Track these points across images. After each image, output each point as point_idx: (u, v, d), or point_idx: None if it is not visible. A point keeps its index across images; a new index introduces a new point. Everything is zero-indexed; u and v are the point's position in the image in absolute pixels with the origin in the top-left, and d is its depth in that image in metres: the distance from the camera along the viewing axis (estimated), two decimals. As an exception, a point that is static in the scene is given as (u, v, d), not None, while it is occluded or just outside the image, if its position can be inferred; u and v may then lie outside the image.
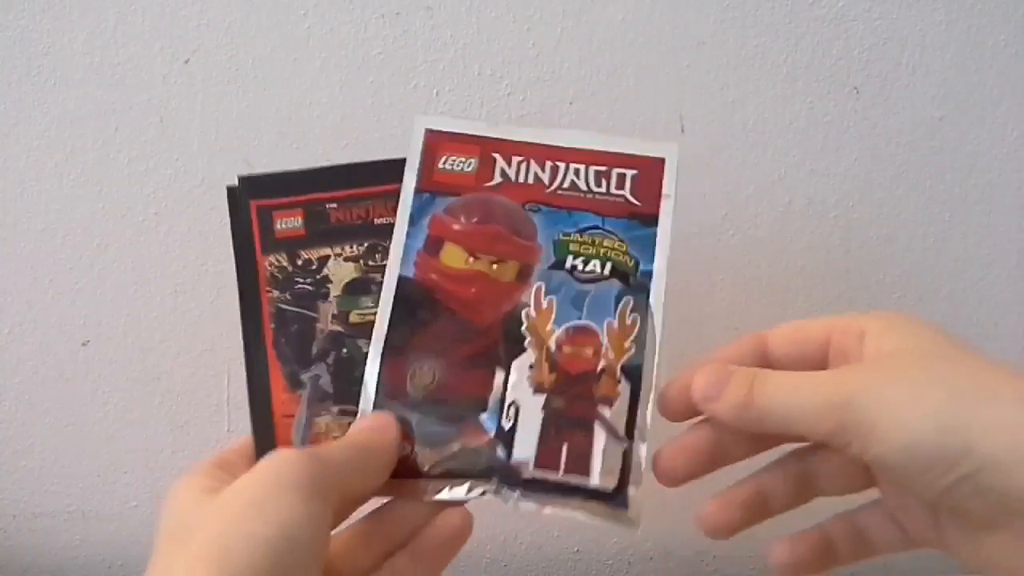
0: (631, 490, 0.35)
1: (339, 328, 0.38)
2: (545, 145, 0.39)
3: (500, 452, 0.36)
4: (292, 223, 0.39)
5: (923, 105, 0.59)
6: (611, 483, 0.35)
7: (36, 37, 0.57)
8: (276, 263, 0.38)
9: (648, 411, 0.36)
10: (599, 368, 0.36)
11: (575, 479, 0.35)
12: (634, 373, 0.36)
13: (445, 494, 0.36)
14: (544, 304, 0.37)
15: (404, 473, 0.36)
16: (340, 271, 0.38)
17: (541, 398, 0.36)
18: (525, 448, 0.36)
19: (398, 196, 0.39)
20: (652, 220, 0.38)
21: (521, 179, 0.39)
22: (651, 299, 0.37)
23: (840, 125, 0.59)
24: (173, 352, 0.60)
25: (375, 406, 0.37)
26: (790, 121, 0.59)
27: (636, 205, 0.38)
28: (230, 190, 0.39)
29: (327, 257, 0.38)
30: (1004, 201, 0.60)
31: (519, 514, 0.35)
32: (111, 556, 0.63)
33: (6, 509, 0.63)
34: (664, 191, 0.39)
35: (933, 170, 0.60)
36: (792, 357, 0.36)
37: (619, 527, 0.35)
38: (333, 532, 0.34)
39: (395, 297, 0.38)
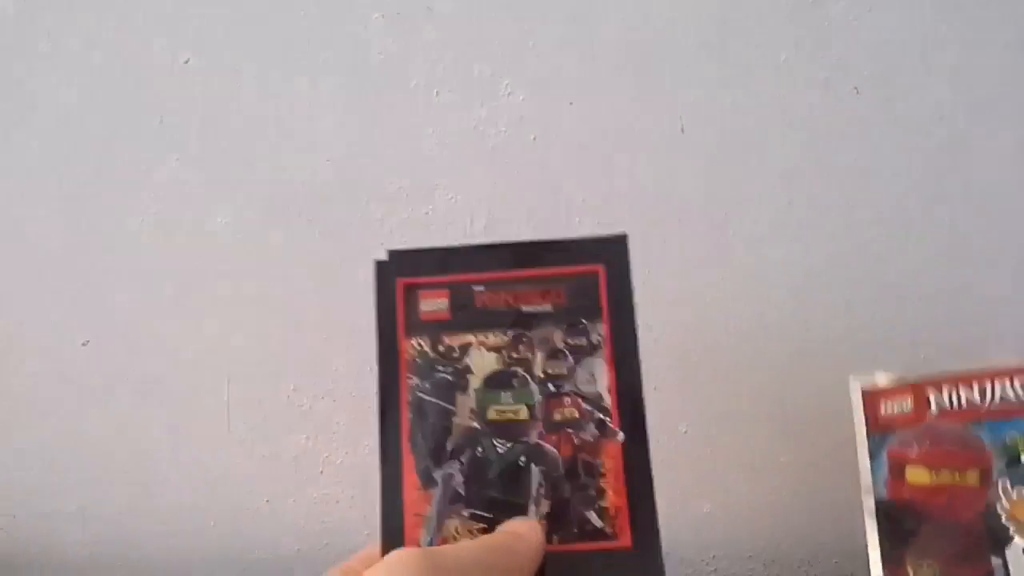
0: None
1: (476, 424, 0.36)
2: (969, 375, 0.46)
3: None
4: (438, 304, 0.37)
5: (923, 105, 0.59)
6: None
7: (36, 37, 0.57)
8: (418, 347, 0.37)
9: None
10: None
11: None
12: None
13: None
14: (1014, 495, 0.44)
15: None
16: (482, 361, 0.36)
17: None
18: None
19: (548, 280, 0.37)
20: None
21: (955, 406, 0.46)
22: None
23: (840, 125, 0.59)
24: (173, 352, 0.60)
25: None
26: (790, 121, 0.59)
27: None
28: (379, 265, 0.38)
29: (469, 344, 0.37)
30: (1004, 201, 0.60)
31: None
32: (111, 556, 0.63)
33: (6, 509, 0.63)
34: None
35: (933, 170, 0.60)
36: None
37: None
38: None
39: (878, 518, 0.45)
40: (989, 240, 0.61)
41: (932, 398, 0.47)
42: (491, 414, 0.36)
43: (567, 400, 0.36)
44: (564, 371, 0.36)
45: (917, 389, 0.47)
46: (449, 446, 0.36)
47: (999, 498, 0.45)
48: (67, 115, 0.58)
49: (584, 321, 0.37)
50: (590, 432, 0.36)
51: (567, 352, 0.36)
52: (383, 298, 0.37)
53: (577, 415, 0.36)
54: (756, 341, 0.61)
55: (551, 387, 0.36)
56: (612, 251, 0.38)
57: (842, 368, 0.45)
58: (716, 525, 0.62)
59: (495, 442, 0.36)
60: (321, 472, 0.62)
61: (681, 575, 0.64)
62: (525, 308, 0.37)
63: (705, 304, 0.60)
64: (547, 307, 0.37)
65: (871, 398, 0.48)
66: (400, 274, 0.37)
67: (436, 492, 0.35)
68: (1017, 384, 0.46)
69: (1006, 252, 0.61)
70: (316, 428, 0.61)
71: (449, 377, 0.36)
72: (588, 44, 0.58)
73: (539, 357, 0.36)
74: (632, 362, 0.36)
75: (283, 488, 0.62)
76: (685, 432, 0.61)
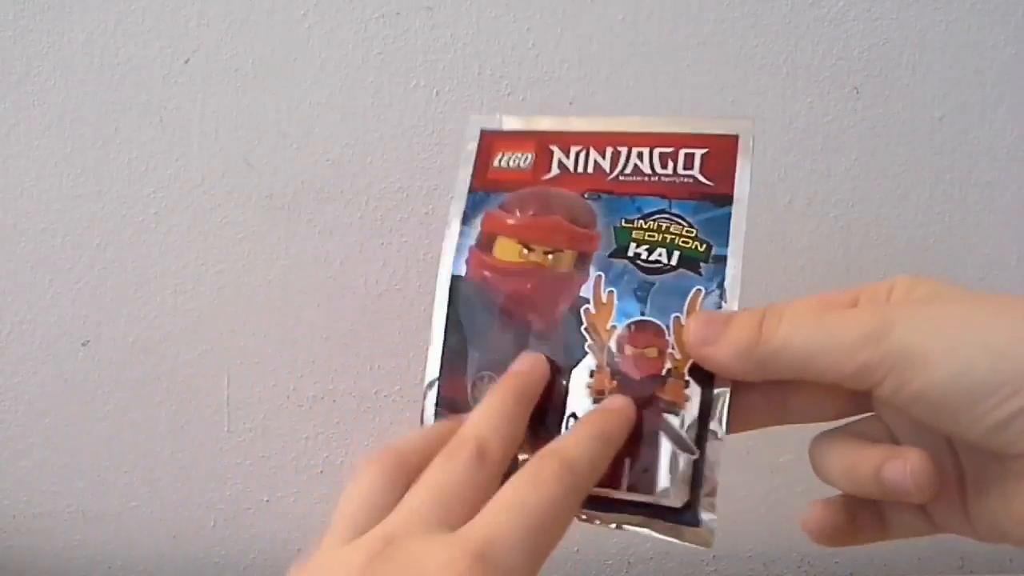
0: (702, 506, 0.33)
1: None
2: (605, 132, 0.37)
3: None
4: None
5: (923, 105, 0.59)
6: (679, 500, 0.33)
7: (36, 37, 0.57)
8: None
9: (723, 418, 0.32)
10: (665, 371, 0.33)
11: (639, 496, 0.33)
12: (705, 376, 0.32)
13: None
14: (604, 298, 0.34)
15: None
16: None
17: None
18: None
19: None
20: (726, 200, 0.35)
21: (580, 169, 0.36)
22: (726, 286, 0.34)
23: (840, 125, 0.59)
24: (173, 352, 0.60)
25: (437, 419, 0.35)
26: (790, 121, 0.59)
27: (708, 185, 0.35)
28: None
29: None
30: (1004, 201, 0.60)
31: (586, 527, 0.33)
32: (111, 556, 0.63)
33: (6, 509, 0.63)
34: (739, 169, 0.35)
35: (933, 170, 0.60)
36: None
37: (689, 545, 0.33)
38: None
39: (449, 299, 0.36)
40: (989, 241, 0.61)
41: (557, 156, 0.37)
42: None
43: None
44: None
45: (542, 142, 0.37)
46: None
47: (588, 298, 0.35)
48: (67, 115, 0.58)
49: None
50: None
51: None
52: None
53: None
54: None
55: None
56: None
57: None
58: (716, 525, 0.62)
59: None
60: (321, 472, 0.62)
61: (681, 575, 0.64)
62: None
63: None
64: None
65: (488, 144, 0.38)
66: None
67: None
68: (656, 155, 0.36)
69: (1006, 252, 0.61)
70: (316, 428, 0.61)
71: None
72: (588, 44, 0.58)
73: None
74: None
75: (283, 488, 0.62)
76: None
